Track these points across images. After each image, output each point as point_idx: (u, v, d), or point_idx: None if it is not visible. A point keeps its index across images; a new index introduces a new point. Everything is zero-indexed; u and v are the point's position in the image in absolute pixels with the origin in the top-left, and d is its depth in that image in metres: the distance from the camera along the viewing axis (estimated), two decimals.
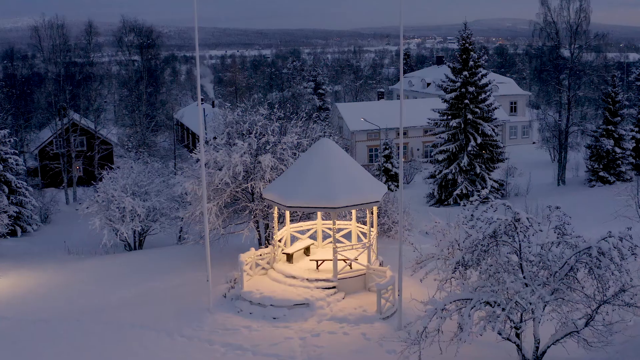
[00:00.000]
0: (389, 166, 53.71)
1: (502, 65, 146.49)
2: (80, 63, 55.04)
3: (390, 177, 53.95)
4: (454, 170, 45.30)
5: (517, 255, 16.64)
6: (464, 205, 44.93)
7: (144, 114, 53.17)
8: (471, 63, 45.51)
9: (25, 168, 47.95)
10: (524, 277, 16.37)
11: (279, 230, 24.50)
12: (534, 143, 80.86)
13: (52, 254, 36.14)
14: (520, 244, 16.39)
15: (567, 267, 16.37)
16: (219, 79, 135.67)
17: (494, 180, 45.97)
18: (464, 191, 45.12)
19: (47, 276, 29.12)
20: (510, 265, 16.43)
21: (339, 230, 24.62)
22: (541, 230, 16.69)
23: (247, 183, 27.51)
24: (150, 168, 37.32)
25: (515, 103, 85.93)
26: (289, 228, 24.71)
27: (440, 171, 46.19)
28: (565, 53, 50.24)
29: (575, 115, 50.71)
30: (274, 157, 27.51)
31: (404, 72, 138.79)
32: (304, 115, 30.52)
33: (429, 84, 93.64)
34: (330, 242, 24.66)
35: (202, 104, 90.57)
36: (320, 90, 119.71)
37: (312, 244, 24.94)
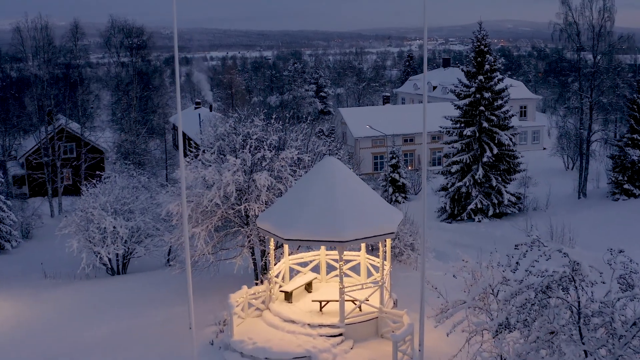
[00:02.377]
0: (396, 176, 50.34)
1: (508, 68, 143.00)
2: (66, 65, 51.63)
3: (398, 188, 50.57)
4: (467, 183, 41.68)
5: (573, 313, 13.22)
6: (479, 221, 41.09)
7: (134, 120, 49.62)
8: (487, 67, 41.88)
9: (3, 180, 44.43)
10: (583, 343, 12.96)
11: (276, 263, 21.10)
12: (544, 149, 77.62)
13: (27, 277, 32.88)
14: (579, 302, 12.97)
15: (635, 329, 12.98)
16: (219, 81, 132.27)
17: (511, 194, 42.37)
18: (479, 205, 41.50)
19: (14, 308, 25.93)
20: (567, 328, 13.01)
21: (347, 262, 21.22)
22: (603, 282, 13.27)
23: (241, 205, 24.10)
24: (136, 182, 33.92)
25: (525, 107, 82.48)
26: (288, 260, 21.27)
27: (453, 184, 42.56)
28: (575, 54, 46.70)
29: (595, 122, 47.18)
30: (270, 175, 24.10)
31: (408, 75, 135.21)
32: (305, 127, 27.01)
33: (435, 87, 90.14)
34: (336, 275, 21.31)
35: (199, 107, 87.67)
36: (322, 93, 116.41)
37: (315, 278, 21.51)
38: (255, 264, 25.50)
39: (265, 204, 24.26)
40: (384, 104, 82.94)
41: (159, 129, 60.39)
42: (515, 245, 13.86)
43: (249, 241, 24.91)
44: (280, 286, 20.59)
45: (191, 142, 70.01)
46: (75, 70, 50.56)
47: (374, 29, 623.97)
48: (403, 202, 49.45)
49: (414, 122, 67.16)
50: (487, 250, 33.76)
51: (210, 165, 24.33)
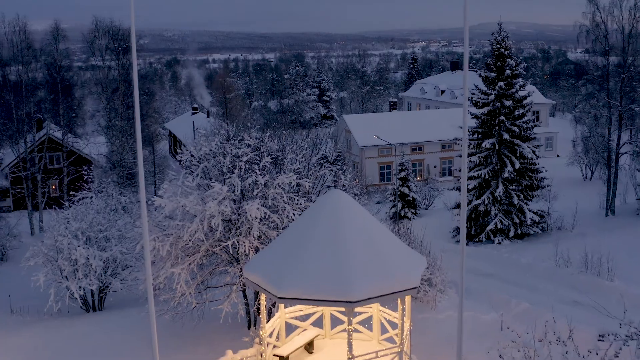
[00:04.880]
0: (406, 190, 46.40)
1: None
2: (49, 70, 47.86)
3: (407, 203, 46.64)
4: (486, 201, 37.61)
5: None
6: (499, 243, 36.34)
7: (120, 129, 45.71)
8: (507, 72, 37.85)
9: None
10: None
11: (268, 314, 17.24)
12: (558, 156, 73.85)
13: None
14: None
15: None
16: (219, 85, 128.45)
17: (534, 212, 38.29)
18: (499, 225, 37.40)
19: None
20: None
21: (356, 314, 17.32)
22: None
23: (229, 240, 20.21)
24: (115, 203, 30.07)
25: (537, 113, 78.39)
26: (284, 314, 17.38)
27: (470, 201, 38.50)
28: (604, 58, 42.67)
29: (624, 131, 43.14)
30: (264, 204, 20.23)
31: (413, 78, 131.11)
32: (306, 145, 23.12)
33: (443, 92, 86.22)
34: (343, 330, 17.43)
35: (196, 113, 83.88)
36: (325, 97, 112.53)
37: (317, 335, 17.60)
38: (247, 309, 21.63)
39: (258, 238, 20.43)
40: (390, 110, 79.00)
41: (151, 137, 56.40)
42: (600, 336, 9.92)
43: (240, 281, 21.06)
44: (275, 347, 16.72)
45: (188, 148, 66.01)
46: (57, 75, 46.72)
47: (377, 31, 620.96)
48: (413, 218, 45.56)
49: (422, 129, 63.27)
50: (513, 282, 29.86)
51: (192, 193, 20.47)
